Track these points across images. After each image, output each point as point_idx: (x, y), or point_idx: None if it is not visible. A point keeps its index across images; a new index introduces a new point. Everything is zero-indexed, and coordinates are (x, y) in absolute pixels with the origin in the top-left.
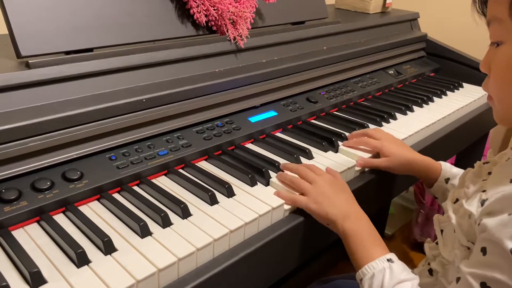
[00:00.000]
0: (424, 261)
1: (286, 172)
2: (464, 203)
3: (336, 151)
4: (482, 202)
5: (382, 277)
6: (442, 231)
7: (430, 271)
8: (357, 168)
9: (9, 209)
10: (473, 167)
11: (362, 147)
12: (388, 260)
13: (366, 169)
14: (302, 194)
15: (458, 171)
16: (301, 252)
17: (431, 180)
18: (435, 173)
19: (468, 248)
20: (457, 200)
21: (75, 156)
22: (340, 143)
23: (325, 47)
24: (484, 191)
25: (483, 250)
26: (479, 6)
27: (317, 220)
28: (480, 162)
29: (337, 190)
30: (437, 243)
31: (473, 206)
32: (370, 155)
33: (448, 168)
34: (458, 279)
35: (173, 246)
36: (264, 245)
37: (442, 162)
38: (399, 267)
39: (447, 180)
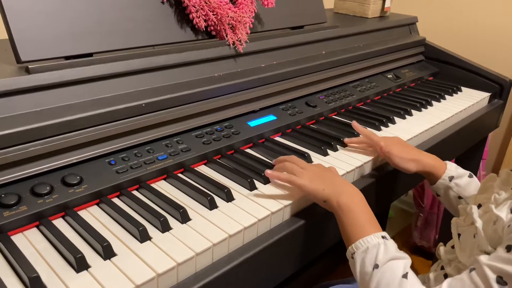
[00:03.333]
0: (436, 265)
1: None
2: (494, 209)
3: (335, 155)
4: None
5: (376, 251)
6: (459, 235)
7: (446, 276)
8: (356, 173)
9: (9, 213)
10: (474, 171)
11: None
12: (382, 237)
13: (366, 172)
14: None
15: (463, 172)
16: (300, 257)
17: (435, 178)
18: (440, 171)
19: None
20: (479, 205)
21: (74, 161)
22: (339, 147)
23: (323, 52)
24: None
25: (508, 248)
26: None
27: (313, 199)
28: (508, 170)
29: (330, 172)
30: (452, 247)
31: (502, 212)
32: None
33: (453, 167)
34: (471, 270)
35: (172, 251)
36: (263, 250)
37: (448, 162)
38: (393, 245)
39: (451, 178)
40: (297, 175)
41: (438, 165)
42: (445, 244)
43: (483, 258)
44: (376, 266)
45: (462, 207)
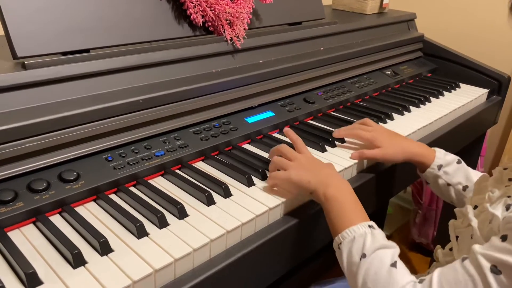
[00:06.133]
0: (434, 268)
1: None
2: (489, 207)
3: (333, 151)
4: (508, 207)
5: (363, 241)
6: (457, 237)
7: None
8: (354, 169)
9: (5, 210)
10: (472, 168)
11: (356, 141)
12: (369, 226)
13: (364, 168)
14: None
15: (452, 159)
16: (298, 253)
17: (424, 166)
18: (429, 159)
19: None
20: (475, 206)
21: (71, 157)
22: (337, 143)
23: (322, 48)
24: (509, 196)
25: (503, 237)
26: None
27: (301, 191)
28: (500, 168)
29: (319, 164)
30: (450, 249)
31: (498, 210)
32: None
33: (442, 155)
34: (464, 259)
35: (170, 247)
36: (260, 246)
37: (436, 149)
38: (380, 234)
39: (439, 166)
40: (284, 168)
41: (426, 153)
42: (443, 246)
43: (477, 248)
44: (363, 256)
45: (459, 209)
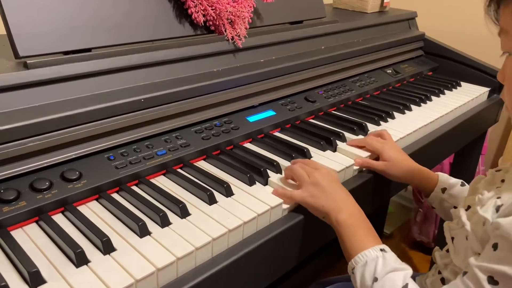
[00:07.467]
0: (434, 270)
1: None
2: (479, 210)
3: (334, 150)
4: (497, 208)
5: (375, 264)
6: (452, 238)
7: (443, 280)
8: (355, 167)
9: (8, 209)
10: (473, 166)
11: (357, 142)
12: (381, 249)
13: (364, 169)
14: (299, 185)
15: (455, 182)
16: (299, 251)
17: (428, 190)
18: (432, 184)
19: None
20: (469, 207)
21: (73, 156)
22: (338, 142)
23: (323, 47)
24: (499, 197)
25: (494, 246)
26: (494, 16)
27: (313, 213)
28: (493, 170)
29: (333, 184)
30: (447, 251)
31: (488, 213)
32: (368, 154)
33: (445, 178)
34: (464, 273)
35: (172, 246)
36: (262, 244)
37: (439, 173)
38: (392, 257)
39: (443, 190)
40: (300, 180)
41: (429, 177)
42: (441, 248)
43: (473, 260)
44: (375, 280)
45: (454, 210)
